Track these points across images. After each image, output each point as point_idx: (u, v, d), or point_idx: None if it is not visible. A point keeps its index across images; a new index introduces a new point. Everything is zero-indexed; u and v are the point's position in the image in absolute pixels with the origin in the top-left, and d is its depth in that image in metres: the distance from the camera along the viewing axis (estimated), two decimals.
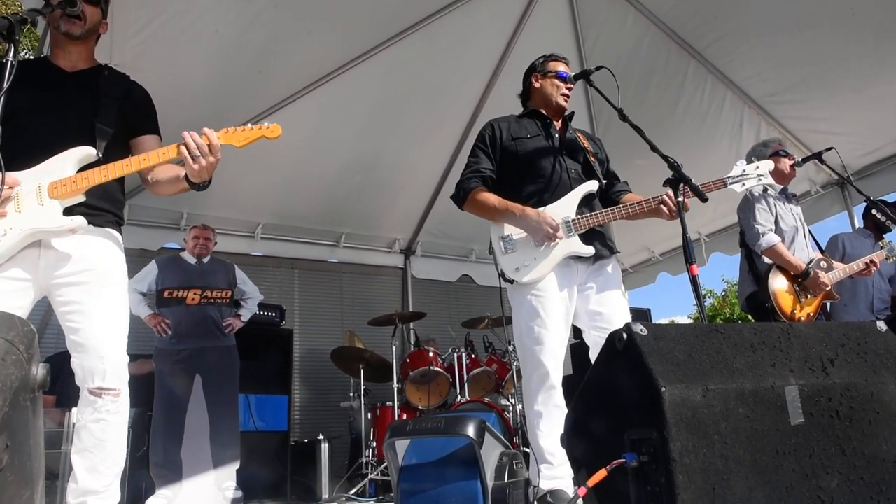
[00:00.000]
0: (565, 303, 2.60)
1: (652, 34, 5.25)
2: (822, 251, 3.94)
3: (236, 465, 4.16)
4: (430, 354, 4.89)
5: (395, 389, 4.73)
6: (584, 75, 2.79)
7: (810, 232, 3.96)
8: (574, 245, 2.58)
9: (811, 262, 3.66)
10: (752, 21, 4.90)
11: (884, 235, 4.36)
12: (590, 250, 2.60)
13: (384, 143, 5.60)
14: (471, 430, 1.63)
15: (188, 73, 4.35)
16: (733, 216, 6.11)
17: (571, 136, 2.84)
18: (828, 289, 3.61)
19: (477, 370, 4.83)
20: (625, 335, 1.52)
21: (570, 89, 2.85)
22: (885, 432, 1.57)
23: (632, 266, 7.42)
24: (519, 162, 2.71)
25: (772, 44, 5.00)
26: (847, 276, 3.76)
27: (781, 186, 3.89)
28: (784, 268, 3.63)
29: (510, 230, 2.61)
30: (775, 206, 3.76)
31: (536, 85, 2.90)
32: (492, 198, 2.67)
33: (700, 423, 1.41)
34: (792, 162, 3.85)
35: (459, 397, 4.61)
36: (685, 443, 1.38)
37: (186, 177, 2.06)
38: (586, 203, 2.69)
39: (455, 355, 4.83)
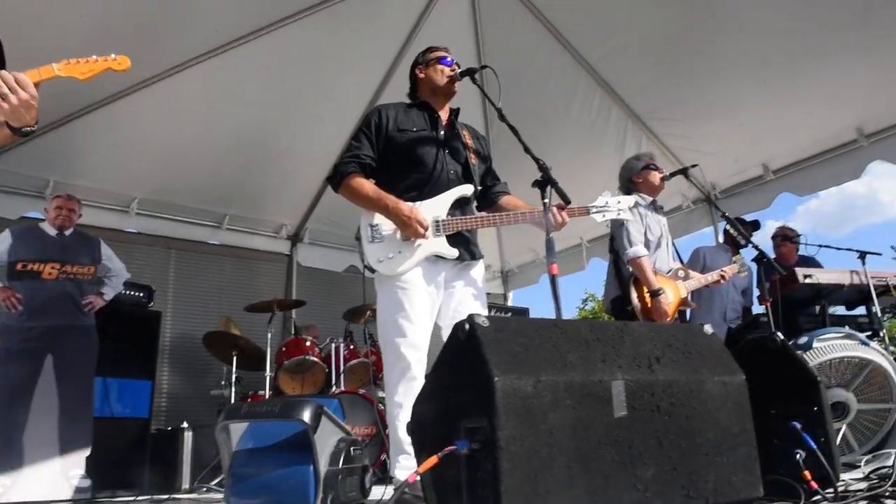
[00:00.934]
0: (431, 297, 2.61)
1: (549, 43, 5.43)
2: (681, 262, 4.21)
3: (86, 452, 3.90)
4: (308, 344, 4.81)
5: (268, 378, 4.62)
6: (469, 72, 2.83)
7: (673, 243, 4.20)
8: (439, 246, 2.60)
9: (669, 271, 3.91)
10: (641, 39, 5.18)
11: (739, 251, 4.75)
12: (454, 253, 2.62)
13: (278, 124, 5.44)
14: (306, 415, 1.62)
15: (65, 29, 4.00)
16: None
17: (457, 133, 2.84)
18: (668, 318, 3.75)
19: (354, 361, 4.81)
20: (467, 326, 1.56)
21: (453, 72, 2.80)
22: (700, 427, 1.70)
23: (518, 266, 7.66)
24: (401, 154, 2.69)
25: (657, 62, 5.30)
26: (703, 285, 4.05)
27: (651, 198, 4.12)
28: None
29: (380, 220, 2.61)
30: (645, 217, 3.95)
31: (421, 76, 2.87)
32: (367, 186, 2.65)
33: (529, 412, 1.47)
34: (661, 175, 4.08)
35: (334, 387, 4.57)
36: (513, 431, 1.43)
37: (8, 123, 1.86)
38: (459, 205, 2.71)
39: (333, 345, 4.78)
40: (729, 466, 1.70)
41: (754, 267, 3.81)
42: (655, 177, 4.04)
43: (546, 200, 2.50)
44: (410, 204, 2.59)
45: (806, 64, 4.95)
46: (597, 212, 2.72)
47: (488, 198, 2.92)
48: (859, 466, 2.73)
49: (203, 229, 5.97)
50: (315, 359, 4.74)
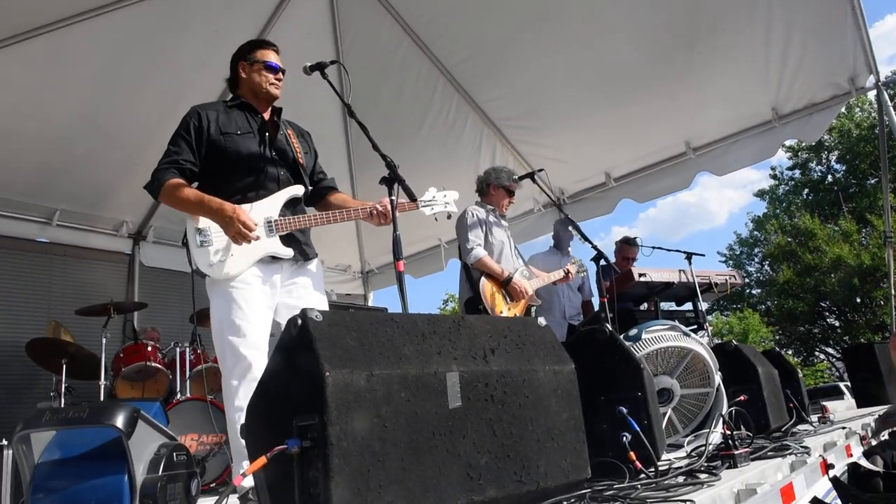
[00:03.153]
0: (268, 296, 2.56)
1: (407, 45, 5.46)
2: (525, 263, 4.44)
3: None
4: (149, 349, 4.45)
5: (103, 387, 4.22)
6: (319, 67, 2.76)
7: (516, 247, 4.47)
8: (273, 246, 2.57)
9: (515, 270, 4.11)
10: (496, 47, 5.35)
11: (570, 251, 5.10)
12: (289, 252, 2.60)
13: (118, 114, 5.01)
14: (118, 420, 1.47)
15: None
16: None
17: (282, 133, 2.78)
18: (529, 294, 4.05)
19: (202, 366, 4.52)
20: (299, 321, 1.49)
21: (278, 79, 2.75)
22: (532, 414, 1.75)
23: (378, 267, 7.63)
24: (226, 159, 2.60)
25: (511, 70, 5.50)
26: (549, 283, 4.29)
27: (493, 208, 4.34)
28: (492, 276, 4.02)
29: (207, 223, 2.51)
30: (486, 223, 4.20)
31: (243, 75, 2.76)
32: (187, 189, 2.54)
33: (362, 406, 1.43)
34: (510, 202, 4.39)
35: (179, 395, 4.26)
36: (344, 426, 1.38)
37: None
38: (291, 206, 2.68)
39: (178, 350, 4.46)
40: (559, 451, 1.76)
41: (593, 266, 4.08)
42: (505, 200, 4.35)
43: (393, 198, 2.50)
44: (236, 206, 2.49)
45: (642, 85, 5.37)
46: (425, 205, 2.74)
47: (317, 195, 2.89)
48: (683, 446, 2.97)
49: (29, 225, 5.36)
50: (157, 365, 4.40)
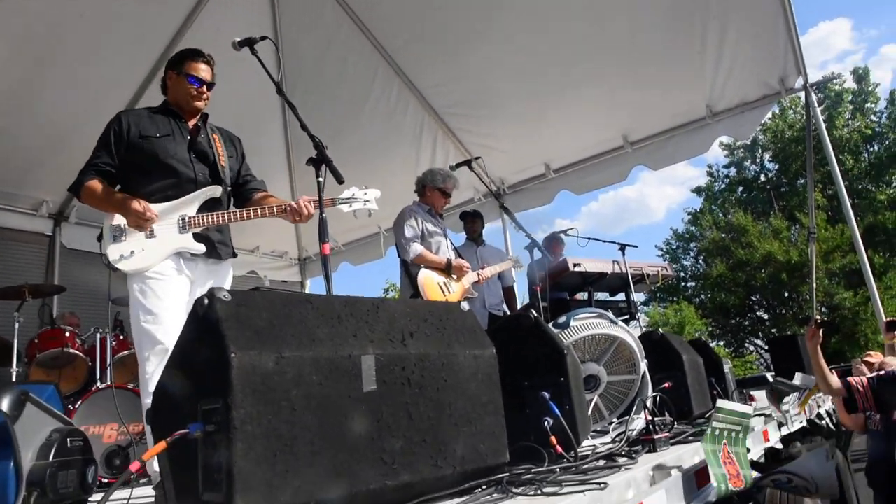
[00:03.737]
0: (184, 289, 2.64)
1: (348, 27, 5.36)
2: (461, 257, 4.53)
3: None
4: (67, 335, 4.25)
5: (15, 374, 4.01)
6: (249, 43, 2.72)
7: (455, 247, 4.60)
8: (185, 241, 2.66)
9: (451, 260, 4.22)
10: (438, 31, 5.32)
11: (484, 242, 5.25)
12: (200, 248, 2.68)
13: (37, 86, 4.73)
14: (2, 403, 1.38)
15: None
16: None
17: (204, 138, 2.87)
18: (465, 286, 4.14)
19: (125, 352, 4.35)
20: (206, 300, 1.44)
21: (201, 93, 2.83)
22: (450, 398, 1.74)
23: (316, 253, 7.51)
24: (146, 161, 2.71)
25: (453, 57, 5.48)
26: (485, 279, 4.39)
27: (429, 207, 4.43)
28: (432, 269, 4.13)
29: (121, 220, 2.62)
30: (422, 221, 4.31)
31: (170, 83, 2.88)
32: (102, 190, 2.65)
33: (270, 390, 1.39)
34: (446, 204, 4.52)
35: (99, 383, 4.08)
36: (250, 410, 1.34)
37: None
38: (209, 206, 2.76)
39: (98, 336, 4.27)
40: (477, 435, 1.76)
41: (526, 256, 4.15)
42: (441, 201, 4.47)
43: (320, 179, 2.47)
44: (140, 199, 2.60)
45: (582, 78, 5.44)
46: (342, 202, 2.81)
47: (243, 196, 2.98)
48: (608, 432, 3.03)
49: None
50: (75, 351, 4.21)
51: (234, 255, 2.91)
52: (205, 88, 2.85)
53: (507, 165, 6.40)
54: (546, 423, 2.16)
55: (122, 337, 4.44)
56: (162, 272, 2.57)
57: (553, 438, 2.12)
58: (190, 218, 2.66)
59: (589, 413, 2.80)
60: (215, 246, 2.77)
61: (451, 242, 4.55)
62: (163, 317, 2.48)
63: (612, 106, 5.74)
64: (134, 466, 1.33)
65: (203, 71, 2.85)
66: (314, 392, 1.46)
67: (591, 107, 5.72)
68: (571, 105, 5.69)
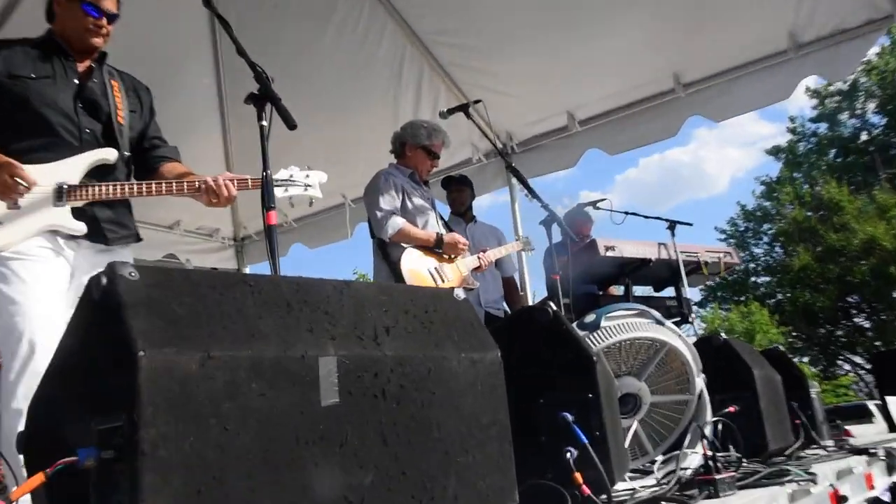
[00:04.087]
0: (61, 275, 2.65)
1: None
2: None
3: None
4: None
5: None
6: None
7: (445, 220, 4.67)
8: (60, 217, 2.65)
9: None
10: None
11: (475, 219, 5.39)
12: (79, 227, 2.68)
13: None
14: None
15: None
16: None
17: (98, 84, 2.90)
18: (463, 274, 4.16)
19: None
20: (104, 279, 1.42)
21: (100, 26, 2.83)
22: (440, 416, 1.74)
23: (258, 232, 7.52)
24: (14, 108, 2.72)
25: None
26: (486, 264, 4.40)
27: (411, 171, 4.52)
28: (419, 248, 4.19)
29: None
30: (402, 189, 4.37)
31: (57, 10, 2.87)
32: None
33: (192, 401, 1.37)
34: (433, 166, 4.61)
35: None
36: (164, 429, 1.33)
37: None
38: (99, 174, 2.78)
39: None
40: (475, 468, 1.76)
41: (541, 236, 4.17)
42: (427, 164, 4.54)
43: (263, 123, 2.47)
44: (12, 160, 2.58)
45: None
46: (279, 185, 2.84)
47: (146, 164, 3.05)
48: (652, 471, 3.04)
49: None
50: None
51: (137, 240, 2.98)
52: (104, 21, 2.84)
53: (516, 115, 6.39)
54: (568, 454, 2.16)
55: None
56: (27, 252, 2.58)
57: (578, 475, 2.12)
58: (70, 188, 2.67)
59: (626, 444, 2.80)
60: (101, 227, 2.79)
61: (441, 217, 4.57)
62: (29, 307, 2.48)
63: (660, 35, 5.72)
64: None
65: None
66: (254, 405, 1.44)
67: (631, 36, 5.69)
68: (605, 34, 5.66)
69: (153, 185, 2.77)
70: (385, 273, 4.26)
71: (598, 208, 5.50)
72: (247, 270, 7.76)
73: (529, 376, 2.24)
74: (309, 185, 2.95)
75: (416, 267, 4.13)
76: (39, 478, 1.33)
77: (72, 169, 2.71)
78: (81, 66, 2.89)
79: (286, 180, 2.88)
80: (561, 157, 6.54)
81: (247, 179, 2.79)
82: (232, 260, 7.76)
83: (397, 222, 4.19)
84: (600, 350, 2.86)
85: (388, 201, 4.26)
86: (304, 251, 7.47)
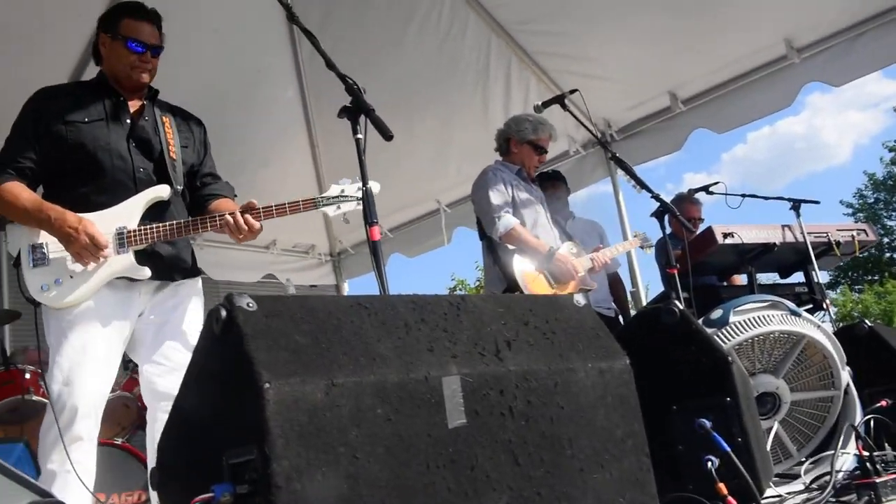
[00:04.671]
0: (117, 334, 2.77)
1: None
2: (569, 237, 4.47)
3: None
4: (28, 376, 4.47)
5: None
6: None
7: (555, 217, 4.59)
8: (124, 264, 2.76)
9: (560, 245, 4.22)
10: None
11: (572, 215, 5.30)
12: (144, 273, 2.78)
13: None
14: None
15: None
16: None
17: (149, 121, 3.00)
18: (579, 274, 4.11)
19: (111, 396, 4.53)
20: (223, 311, 1.48)
21: (144, 62, 2.93)
22: (571, 432, 1.74)
23: (354, 245, 7.66)
24: (69, 154, 2.83)
25: None
26: (602, 263, 4.34)
27: (518, 167, 4.45)
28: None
29: (46, 238, 2.72)
30: (511, 185, 4.30)
31: (104, 49, 2.97)
32: (24, 194, 2.75)
33: (321, 431, 1.42)
34: (541, 160, 4.57)
35: None
36: (295, 460, 1.37)
37: None
38: (156, 212, 2.87)
39: None
40: (613, 484, 1.75)
41: (654, 228, 4.12)
42: (535, 159, 4.48)
43: (359, 136, 2.51)
44: (82, 215, 2.69)
45: None
46: (328, 203, 2.84)
47: (198, 202, 3.12)
48: (799, 475, 2.97)
49: None
50: (41, 398, 4.41)
51: (197, 274, 3.08)
52: (149, 55, 2.93)
53: (613, 100, 6.29)
54: (709, 463, 2.13)
55: None
56: (84, 314, 2.69)
57: (721, 486, 2.09)
58: (129, 232, 2.76)
59: (768, 447, 2.74)
60: (166, 264, 2.90)
61: (554, 217, 4.53)
62: (77, 377, 2.61)
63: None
64: None
65: (146, 33, 2.92)
66: (381, 431, 1.48)
67: (736, 3, 5.54)
68: (706, 5, 5.52)
69: (192, 225, 2.83)
70: (496, 276, 4.23)
71: (710, 193, 5.37)
72: (345, 285, 7.92)
73: (659, 382, 2.21)
74: (360, 199, 2.87)
75: (530, 270, 4.09)
76: None
77: (129, 212, 2.80)
78: (133, 105, 2.99)
79: (337, 197, 2.86)
80: (665, 141, 6.41)
81: (271, 208, 2.82)
82: (330, 275, 7.91)
83: (510, 221, 4.12)
84: (731, 348, 2.80)
85: (498, 197, 4.20)
86: (403, 260, 7.56)
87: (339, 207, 2.84)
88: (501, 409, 1.64)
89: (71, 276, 2.69)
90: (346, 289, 7.93)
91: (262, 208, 2.78)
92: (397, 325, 1.62)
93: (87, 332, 2.68)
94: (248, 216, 2.79)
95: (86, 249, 2.65)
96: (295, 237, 7.58)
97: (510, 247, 4.13)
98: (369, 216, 2.46)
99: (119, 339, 2.79)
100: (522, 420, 1.66)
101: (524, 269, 4.06)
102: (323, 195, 2.83)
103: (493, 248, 4.21)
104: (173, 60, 5.52)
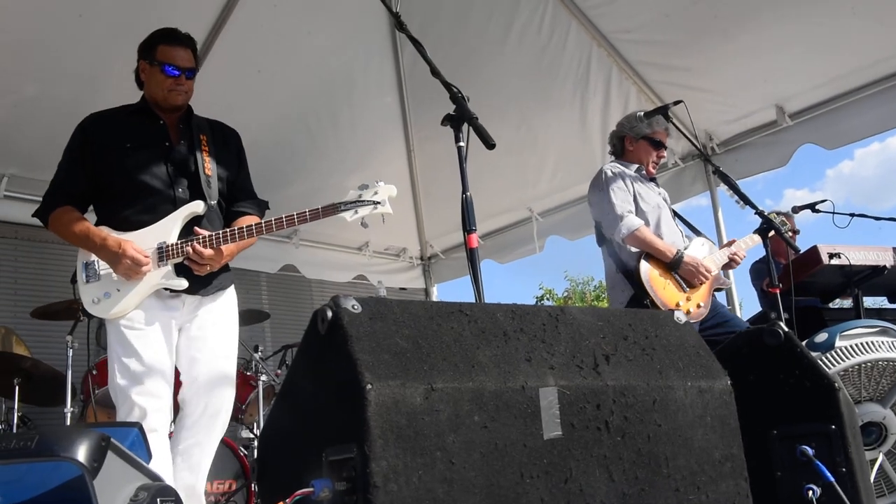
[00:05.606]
0: (167, 335, 3.02)
1: None
2: (697, 232, 4.30)
3: None
4: None
5: (69, 415, 4.43)
6: None
7: (679, 215, 4.41)
8: (165, 277, 2.99)
9: (688, 245, 4.07)
10: None
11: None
12: (181, 283, 3.00)
13: (74, 46, 5.19)
14: (79, 452, 1.52)
15: None
16: (579, 187, 6.60)
17: (187, 140, 3.22)
18: (711, 273, 4.00)
19: None
20: (329, 313, 1.52)
21: (180, 84, 3.13)
22: (668, 451, 1.72)
23: (445, 250, 7.70)
24: (115, 177, 3.07)
25: None
26: (737, 258, 4.22)
27: (637, 165, 4.30)
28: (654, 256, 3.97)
29: (95, 257, 3.00)
30: (633, 184, 4.15)
31: (143, 75, 3.19)
32: (74, 222, 3.03)
33: (419, 434, 1.44)
34: (661, 157, 4.38)
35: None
36: (394, 461, 1.40)
37: None
38: (194, 227, 3.06)
39: None
40: None
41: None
42: (652, 156, 4.30)
43: (461, 144, 2.53)
44: (120, 236, 2.96)
45: None
46: (346, 208, 2.98)
47: (231, 214, 3.32)
48: None
49: None
50: None
51: (229, 286, 3.29)
52: (184, 78, 3.14)
53: (716, 112, 6.15)
54: (810, 492, 2.07)
55: None
56: (137, 319, 2.96)
57: None
58: (168, 247, 2.99)
59: (873, 479, 2.65)
60: (204, 277, 3.10)
61: (678, 215, 4.37)
62: (139, 374, 2.89)
63: (886, 2, 5.33)
64: None
65: (181, 57, 3.13)
66: (477, 438, 1.49)
67: (850, 9, 5.35)
68: (817, 10, 5.36)
69: (215, 238, 3.00)
70: (619, 281, 4.09)
71: (817, 211, 5.20)
72: (434, 289, 7.94)
73: (760, 405, 2.16)
74: (378, 203, 3.01)
75: (658, 275, 3.92)
76: None
77: (168, 228, 3.02)
78: (171, 126, 3.21)
79: (354, 202, 2.98)
80: (769, 156, 6.22)
81: (305, 213, 2.98)
82: (420, 279, 7.96)
83: (633, 222, 3.94)
84: (836, 373, 2.72)
85: (620, 197, 4.03)
86: (494, 266, 7.57)
87: (356, 212, 2.97)
88: (598, 423, 1.64)
89: (118, 290, 2.96)
90: (435, 293, 7.96)
91: (207, 237, 2.98)
92: (496, 333, 1.64)
93: (139, 336, 2.95)
94: (197, 245, 2.96)
95: (129, 269, 2.90)
96: (387, 240, 7.66)
97: (633, 250, 3.99)
98: (468, 223, 2.46)
99: (167, 346, 3.02)
100: (619, 436, 1.65)
101: (651, 275, 3.90)
102: (342, 201, 2.98)
103: (615, 252, 4.07)
104: (269, 64, 5.69)
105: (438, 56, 2.75)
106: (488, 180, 5.90)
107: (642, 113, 4.23)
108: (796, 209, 5.51)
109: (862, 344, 2.88)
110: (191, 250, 2.93)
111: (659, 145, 4.30)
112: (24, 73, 5.18)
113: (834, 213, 5.02)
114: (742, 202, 3.89)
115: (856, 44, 5.44)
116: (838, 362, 2.83)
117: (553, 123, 6.29)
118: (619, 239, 3.96)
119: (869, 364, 2.87)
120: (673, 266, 3.94)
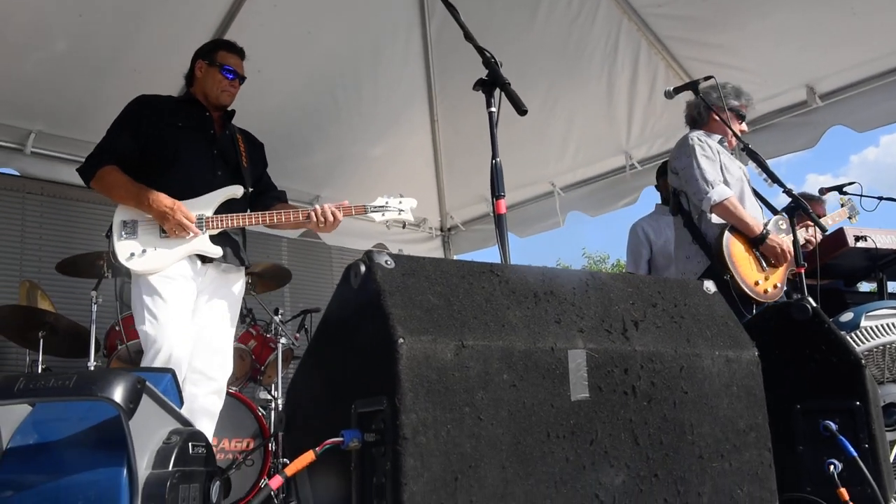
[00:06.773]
0: (190, 295, 3.29)
1: None
2: (774, 210, 4.20)
3: None
4: None
5: (93, 369, 4.49)
6: None
7: (760, 195, 4.27)
8: (201, 243, 3.31)
9: (768, 222, 3.94)
10: None
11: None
12: (217, 251, 3.33)
13: (101, 4, 5.20)
14: (116, 392, 1.54)
15: None
16: (603, 163, 6.57)
17: (228, 135, 3.62)
18: (790, 255, 3.87)
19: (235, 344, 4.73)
20: (363, 266, 1.53)
21: (233, 86, 3.55)
22: (693, 417, 1.73)
23: (465, 222, 7.71)
24: (165, 151, 3.39)
25: None
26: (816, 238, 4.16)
27: (720, 136, 4.18)
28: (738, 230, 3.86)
29: (136, 215, 3.25)
30: (719, 153, 4.04)
31: (199, 74, 3.57)
32: (124, 178, 3.29)
33: (448, 389, 1.46)
34: (743, 129, 4.29)
35: None
36: (423, 415, 1.42)
37: None
38: (228, 207, 3.43)
39: None
40: (732, 474, 1.74)
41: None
42: (737, 127, 4.16)
43: (492, 109, 2.53)
44: (174, 199, 3.24)
45: None
46: (375, 210, 3.49)
47: (262, 203, 3.68)
48: None
49: None
50: None
51: (247, 266, 3.64)
52: (237, 82, 3.57)
53: (747, 90, 6.12)
54: (831, 466, 2.08)
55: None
56: (168, 275, 3.22)
57: (843, 491, 2.04)
58: (208, 218, 3.32)
59: (892, 460, 2.65)
60: (233, 251, 3.46)
61: (759, 195, 4.24)
62: (164, 319, 3.13)
63: None
64: (275, 482, 1.45)
65: (237, 64, 3.57)
66: (505, 396, 1.51)
67: None
68: None
69: (272, 215, 3.45)
70: (694, 252, 3.96)
71: (844, 193, 5.16)
72: None
73: (785, 379, 2.17)
74: (402, 210, 3.53)
75: (741, 249, 3.81)
76: (309, 456, 1.45)
77: (209, 203, 3.35)
78: (216, 120, 3.58)
79: (382, 206, 3.49)
80: (798, 137, 6.16)
81: (351, 207, 3.46)
82: (439, 250, 7.96)
83: (724, 191, 3.80)
84: (860, 352, 2.71)
85: (708, 164, 3.90)
86: (515, 240, 7.57)
87: (383, 214, 3.50)
88: (625, 387, 1.65)
89: (154, 249, 3.22)
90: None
91: (340, 206, 3.42)
92: (527, 294, 1.65)
93: (168, 291, 3.18)
94: (334, 209, 3.38)
95: (178, 225, 3.19)
96: None
97: (716, 220, 3.86)
98: (496, 189, 2.46)
99: (190, 301, 3.30)
100: (645, 401, 1.66)
101: (735, 249, 3.79)
102: (372, 203, 3.49)
103: (694, 222, 3.96)
104: (293, 34, 5.69)
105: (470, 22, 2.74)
106: (511, 153, 5.88)
107: (671, 89, 4.17)
108: (823, 191, 5.48)
109: (887, 325, 2.88)
110: (340, 214, 3.37)
111: (744, 119, 4.24)
112: (52, 30, 5.19)
113: (862, 195, 4.99)
114: (770, 180, 3.84)
115: (890, 26, 5.37)
116: (863, 342, 2.83)
117: (579, 98, 6.25)
118: (708, 206, 3.83)
119: (893, 345, 2.87)
120: (757, 242, 3.83)
